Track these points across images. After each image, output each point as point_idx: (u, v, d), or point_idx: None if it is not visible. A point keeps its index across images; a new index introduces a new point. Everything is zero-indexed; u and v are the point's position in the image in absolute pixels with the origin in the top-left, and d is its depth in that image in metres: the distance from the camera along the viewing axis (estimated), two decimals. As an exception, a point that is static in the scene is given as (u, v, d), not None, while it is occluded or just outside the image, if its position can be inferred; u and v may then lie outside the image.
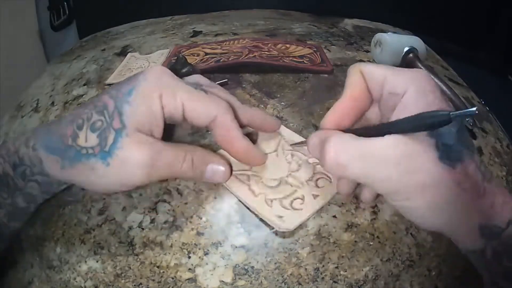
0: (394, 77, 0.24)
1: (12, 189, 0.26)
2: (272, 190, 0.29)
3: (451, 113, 0.20)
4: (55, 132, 0.26)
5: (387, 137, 0.22)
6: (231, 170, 0.29)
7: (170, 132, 0.31)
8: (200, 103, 0.26)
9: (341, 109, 0.26)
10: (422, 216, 0.23)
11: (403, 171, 0.21)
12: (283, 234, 0.27)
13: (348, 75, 0.26)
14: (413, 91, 0.23)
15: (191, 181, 0.30)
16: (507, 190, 0.24)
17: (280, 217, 0.27)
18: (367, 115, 0.27)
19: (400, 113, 0.23)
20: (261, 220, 0.27)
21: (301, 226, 0.27)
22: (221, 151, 0.29)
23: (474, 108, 0.20)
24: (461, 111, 0.20)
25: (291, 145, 0.32)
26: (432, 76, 0.24)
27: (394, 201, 0.23)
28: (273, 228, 0.27)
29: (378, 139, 0.22)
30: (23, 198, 0.27)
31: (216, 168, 0.27)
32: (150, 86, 0.25)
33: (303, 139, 0.31)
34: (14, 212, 0.28)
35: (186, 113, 0.26)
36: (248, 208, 0.28)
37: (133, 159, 0.24)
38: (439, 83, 0.40)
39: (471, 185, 0.22)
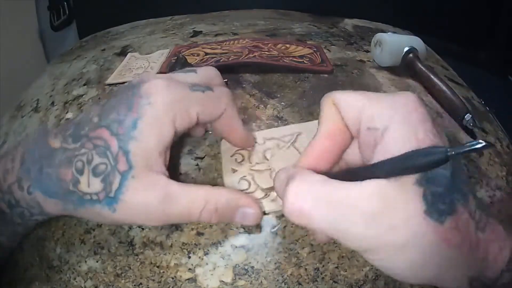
0: (372, 109, 0.20)
1: (11, 224, 0.26)
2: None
3: (448, 151, 0.16)
4: (51, 173, 0.23)
5: (365, 182, 0.18)
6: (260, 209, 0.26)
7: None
8: (212, 106, 0.25)
9: (316, 150, 0.22)
10: (402, 275, 0.19)
11: (381, 228, 0.18)
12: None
13: (321, 108, 0.22)
14: (397, 125, 0.18)
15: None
16: (503, 232, 0.20)
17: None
18: (346, 157, 0.23)
19: (381, 155, 0.19)
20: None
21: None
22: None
23: (480, 144, 0.16)
24: (462, 147, 0.16)
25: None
26: (420, 100, 0.19)
27: (368, 259, 0.20)
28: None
29: (353, 184, 0.18)
30: (24, 228, 0.27)
31: (247, 212, 0.24)
32: (159, 112, 0.22)
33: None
34: (15, 235, 0.28)
35: (199, 120, 0.25)
36: None
37: (141, 205, 0.22)
38: (434, 78, 0.39)
39: (461, 239, 0.18)
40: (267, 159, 0.30)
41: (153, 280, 0.26)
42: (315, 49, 0.47)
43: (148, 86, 0.23)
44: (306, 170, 0.21)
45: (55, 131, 0.25)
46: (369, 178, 0.18)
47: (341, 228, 0.18)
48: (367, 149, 0.20)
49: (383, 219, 0.18)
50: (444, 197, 0.18)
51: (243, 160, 0.30)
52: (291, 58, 0.44)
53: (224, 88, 0.26)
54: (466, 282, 0.20)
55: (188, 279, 0.26)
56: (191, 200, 0.23)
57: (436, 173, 0.18)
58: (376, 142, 0.19)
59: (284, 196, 0.19)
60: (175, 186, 0.23)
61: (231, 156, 0.31)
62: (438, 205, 0.18)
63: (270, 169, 0.29)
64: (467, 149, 0.16)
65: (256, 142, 0.31)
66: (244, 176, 0.29)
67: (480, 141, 0.16)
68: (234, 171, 0.30)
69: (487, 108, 0.45)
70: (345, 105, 0.21)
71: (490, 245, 0.20)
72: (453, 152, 0.16)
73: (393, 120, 0.19)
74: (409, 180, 0.18)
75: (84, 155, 0.22)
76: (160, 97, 0.23)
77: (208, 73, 0.27)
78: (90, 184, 0.22)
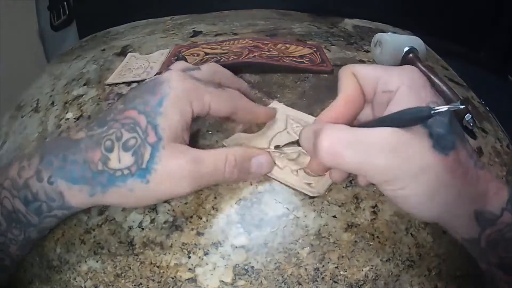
0: (387, 76, 0.24)
1: (25, 225, 0.25)
2: (294, 161, 0.30)
3: (432, 110, 0.21)
4: (76, 159, 0.24)
5: (381, 127, 0.22)
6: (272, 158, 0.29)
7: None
8: (223, 101, 0.27)
9: (335, 111, 0.25)
10: (418, 204, 0.23)
11: (398, 159, 0.21)
12: (314, 200, 0.29)
13: (340, 78, 0.26)
14: (406, 87, 0.23)
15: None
16: (499, 180, 0.24)
17: (309, 184, 0.29)
18: (358, 117, 0.27)
19: (392, 109, 0.23)
20: (293, 189, 0.29)
21: (330, 188, 0.29)
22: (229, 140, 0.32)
23: (458, 104, 0.21)
24: (444, 107, 0.21)
25: (278, 147, 0.31)
26: (421, 71, 0.24)
27: (389, 190, 0.23)
28: (306, 196, 0.28)
29: (372, 129, 0.22)
30: (38, 232, 0.26)
31: (261, 160, 0.28)
32: (180, 94, 0.25)
33: (303, 115, 0.34)
34: (27, 244, 0.27)
35: (211, 110, 0.26)
36: (279, 182, 0.29)
37: (174, 172, 0.24)
38: (434, 78, 0.40)
39: (464, 171, 0.22)
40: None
41: (153, 280, 0.26)
42: (315, 49, 0.47)
43: (166, 75, 0.26)
44: (329, 123, 0.24)
45: (76, 128, 0.26)
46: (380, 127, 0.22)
47: (366, 162, 0.22)
48: (381, 108, 0.24)
49: (400, 152, 0.21)
50: (446, 136, 0.22)
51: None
52: (291, 58, 0.44)
53: (235, 90, 0.29)
54: (472, 215, 0.23)
55: (188, 279, 0.26)
56: (215, 158, 0.25)
57: (437, 119, 0.22)
58: (388, 101, 0.24)
59: (318, 144, 0.22)
60: (199, 151, 0.25)
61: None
62: (442, 141, 0.22)
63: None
64: (446, 108, 0.21)
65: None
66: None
67: (458, 103, 0.21)
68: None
69: (487, 108, 0.45)
70: (363, 74, 0.25)
71: (489, 183, 0.24)
72: (436, 110, 0.21)
73: (403, 83, 0.23)
74: (416, 125, 0.22)
75: (113, 134, 0.24)
76: (178, 82, 0.25)
77: (211, 68, 0.30)
78: (121, 159, 0.23)
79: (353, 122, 0.26)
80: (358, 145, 0.22)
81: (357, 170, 0.23)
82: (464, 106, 0.21)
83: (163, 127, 0.24)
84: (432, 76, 0.41)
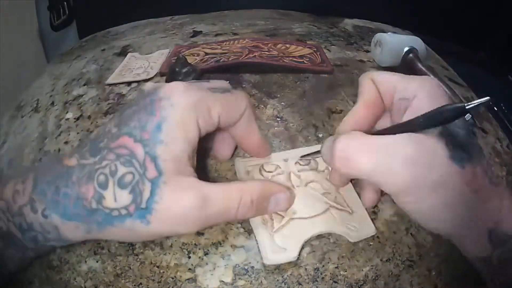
0: (404, 84, 0.24)
1: (22, 248, 0.23)
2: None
3: (466, 105, 0.19)
4: (68, 193, 0.21)
5: (398, 135, 0.21)
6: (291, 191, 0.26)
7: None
8: (232, 107, 0.24)
9: (355, 117, 0.26)
10: (432, 218, 0.22)
11: (414, 169, 0.20)
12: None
13: (360, 84, 0.26)
14: (424, 95, 0.23)
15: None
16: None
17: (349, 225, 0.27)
18: (379, 125, 0.27)
19: (410, 116, 0.23)
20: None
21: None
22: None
23: (488, 98, 0.20)
24: (476, 101, 0.19)
25: (301, 156, 0.31)
26: (439, 83, 0.24)
27: (402, 202, 0.22)
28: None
29: (389, 136, 0.21)
30: (36, 253, 0.24)
31: (279, 197, 0.25)
32: (183, 113, 0.21)
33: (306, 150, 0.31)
34: (25, 261, 0.26)
35: (221, 123, 0.24)
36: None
37: (177, 211, 0.21)
38: (445, 89, 0.40)
39: (479, 187, 0.21)
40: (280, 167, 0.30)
41: (153, 280, 0.26)
42: (315, 49, 0.47)
43: (166, 89, 0.22)
44: (348, 132, 0.24)
45: (69, 153, 0.23)
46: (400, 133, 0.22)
47: (382, 171, 0.21)
48: (398, 114, 0.24)
49: (416, 161, 0.20)
50: (463, 147, 0.21)
51: (260, 171, 0.30)
52: (291, 58, 0.44)
53: (241, 91, 0.26)
54: (485, 233, 0.22)
55: (188, 279, 0.26)
56: (227, 196, 0.22)
57: (454, 129, 0.21)
58: (406, 108, 0.23)
59: (333, 149, 0.22)
60: (208, 186, 0.22)
61: (246, 168, 0.30)
62: (458, 153, 0.21)
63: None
64: (481, 101, 0.19)
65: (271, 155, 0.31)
66: None
67: (488, 97, 0.20)
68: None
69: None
70: (382, 81, 0.25)
71: (504, 200, 0.22)
72: (470, 105, 0.19)
73: (420, 91, 0.23)
74: (433, 132, 0.21)
75: (106, 167, 0.21)
76: (181, 98, 0.22)
77: (220, 83, 0.28)
78: (117, 198, 0.20)
79: (373, 128, 0.26)
80: (374, 152, 0.21)
81: (371, 177, 0.22)
82: (489, 97, 0.20)
83: (164, 159, 0.21)
84: (432, 76, 0.41)
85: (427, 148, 0.21)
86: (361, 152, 0.21)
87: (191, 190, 0.21)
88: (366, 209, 0.28)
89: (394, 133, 0.22)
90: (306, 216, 0.27)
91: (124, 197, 0.20)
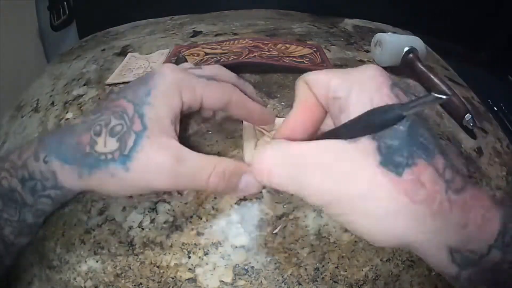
0: (337, 80, 0.21)
1: (20, 205, 0.25)
2: None
3: (402, 107, 0.17)
4: (69, 142, 0.24)
5: (320, 140, 0.19)
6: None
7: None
8: (216, 91, 0.27)
9: (291, 123, 0.23)
10: (368, 231, 0.19)
11: (335, 179, 0.18)
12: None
13: (295, 89, 0.24)
14: (356, 92, 0.20)
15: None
16: (488, 200, 0.19)
17: None
18: (322, 129, 0.24)
19: (343, 119, 0.20)
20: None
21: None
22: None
23: (431, 97, 0.16)
24: (416, 101, 0.17)
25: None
26: (379, 70, 0.21)
27: (331, 215, 0.20)
28: None
29: (309, 142, 0.20)
30: (33, 214, 0.26)
31: (251, 180, 0.25)
32: (169, 84, 0.25)
33: None
34: (22, 228, 0.27)
35: (204, 102, 0.26)
36: None
37: (153, 163, 0.23)
38: (434, 78, 0.39)
39: (426, 196, 0.18)
40: None
41: (153, 280, 0.26)
42: (315, 49, 0.47)
43: (160, 68, 0.26)
44: (278, 140, 0.23)
45: (76, 119, 0.26)
46: None
47: (300, 181, 0.19)
48: (335, 117, 0.21)
49: (338, 169, 0.18)
50: (400, 150, 0.18)
51: (263, 135, 0.32)
52: (291, 58, 0.44)
53: (228, 83, 0.28)
54: (445, 252, 0.19)
55: (188, 279, 0.26)
56: (201, 163, 0.24)
57: (393, 130, 0.18)
58: (341, 109, 0.20)
59: (253, 161, 0.22)
60: (186, 150, 0.24)
61: (252, 132, 0.32)
62: (394, 157, 0.18)
63: None
64: (419, 102, 0.17)
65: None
66: None
67: (433, 93, 0.16)
68: (255, 146, 0.31)
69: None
70: (315, 82, 0.22)
71: (471, 212, 0.18)
72: (407, 109, 0.17)
73: (352, 88, 0.20)
74: (364, 136, 0.18)
75: (102, 120, 0.24)
76: (170, 73, 0.26)
77: (213, 68, 0.29)
78: (107, 144, 0.23)
79: (315, 133, 0.24)
80: (290, 161, 0.20)
81: (291, 189, 0.20)
82: (446, 96, 0.16)
83: (149, 117, 0.24)
84: (432, 76, 0.41)
85: (351, 155, 0.18)
86: (275, 163, 0.20)
87: (169, 148, 0.24)
88: None
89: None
90: None
91: (112, 144, 0.23)
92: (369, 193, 0.18)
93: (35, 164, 0.25)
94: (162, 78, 0.25)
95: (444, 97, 0.16)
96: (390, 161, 0.18)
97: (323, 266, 0.26)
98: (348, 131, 0.19)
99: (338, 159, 0.19)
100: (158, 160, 0.23)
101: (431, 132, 0.19)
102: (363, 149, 0.18)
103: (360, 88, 0.20)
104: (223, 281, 0.26)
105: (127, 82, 0.42)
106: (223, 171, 0.24)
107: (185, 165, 0.24)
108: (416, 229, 0.18)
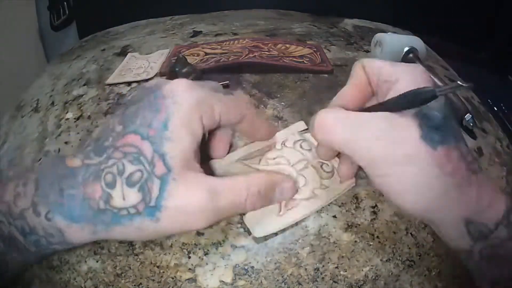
0: (389, 68, 0.24)
1: (24, 252, 0.23)
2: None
3: (437, 89, 0.21)
4: (73, 194, 0.21)
5: (374, 112, 0.23)
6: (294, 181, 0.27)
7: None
8: (233, 108, 0.25)
9: (343, 97, 0.27)
10: (402, 195, 0.22)
11: (383, 143, 0.22)
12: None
13: (352, 69, 0.27)
14: (406, 80, 0.23)
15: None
16: (498, 190, 0.23)
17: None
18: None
19: (389, 97, 0.23)
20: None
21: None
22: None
23: (461, 83, 0.21)
24: (447, 86, 0.21)
25: (299, 131, 0.33)
26: (426, 71, 0.25)
27: (372, 175, 0.23)
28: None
29: (365, 113, 0.23)
30: (37, 258, 0.24)
31: (284, 187, 0.26)
32: (188, 110, 0.22)
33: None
34: (26, 264, 0.26)
35: (221, 120, 0.24)
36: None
37: (188, 207, 0.21)
38: (434, 78, 0.39)
39: (453, 170, 0.21)
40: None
41: (153, 280, 0.26)
42: (315, 49, 0.47)
43: (170, 86, 0.23)
44: (336, 107, 0.25)
45: (72, 153, 0.23)
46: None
47: (355, 141, 0.22)
48: (382, 96, 0.24)
49: (388, 136, 0.21)
50: (436, 130, 0.22)
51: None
52: (291, 58, 0.44)
53: (243, 94, 0.28)
54: (462, 223, 0.22)
55: (188, 279, 0.26)
56: (235, 189, 0.23)
57: (430, 112, 0.22)
58: (389, 89, 0.23)
59: (313, 120, 0.24)
60: (216, 180, 0.22)
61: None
62: (431, 134, 0.21)
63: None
64: (448, 86, 0.21)
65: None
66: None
67: (458, 81, 0.21)
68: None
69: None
70: (370, 66, 0.26)
71: (483, 190, 0.22)
72: (441, 90, 0.21)
73: (403, 76, 0.23)
74: (409, 112, 0.22)
75: (113, 166, 0.21)
76: (185, 95, 0.22)
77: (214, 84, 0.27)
78: (126, 197, 0.20)
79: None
80: (349, 123, 0.23)
81: (345, 147, 0.23)
82: (469, 84, 0.21)
83: (172, 155, 0.21)
84: (432, 76, 0.41)
85: (399, 126, 0.22)
86: (336, 123, 0.23)
87: (200, 185, 0.21)
88: (341, 182, 0.29)
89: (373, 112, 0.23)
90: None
91: (132, 196, 0.20)
92: (410, 159, 0.21)
93: (36, 219, 0.21)
94: (177, 102, 0.22)
95: (466, 84, 0.22)
96: (428, 136, 0.21)
97: (323, 266, 0.26)
98: (393, 105, 0.23)
99: (388, 126, 0.22)
100: (191, 202, 0.21)
101: (456, 124, 0.24)
102: (408, 123, 0.22)
103: (410, 78, 0.23)
104: (223, 281, 0.26)
105: (127, 82, 0.43)
106: (258, 191, 0.24)
107: (220, 198, 0.22)
108: (441, 201, 0.22)
